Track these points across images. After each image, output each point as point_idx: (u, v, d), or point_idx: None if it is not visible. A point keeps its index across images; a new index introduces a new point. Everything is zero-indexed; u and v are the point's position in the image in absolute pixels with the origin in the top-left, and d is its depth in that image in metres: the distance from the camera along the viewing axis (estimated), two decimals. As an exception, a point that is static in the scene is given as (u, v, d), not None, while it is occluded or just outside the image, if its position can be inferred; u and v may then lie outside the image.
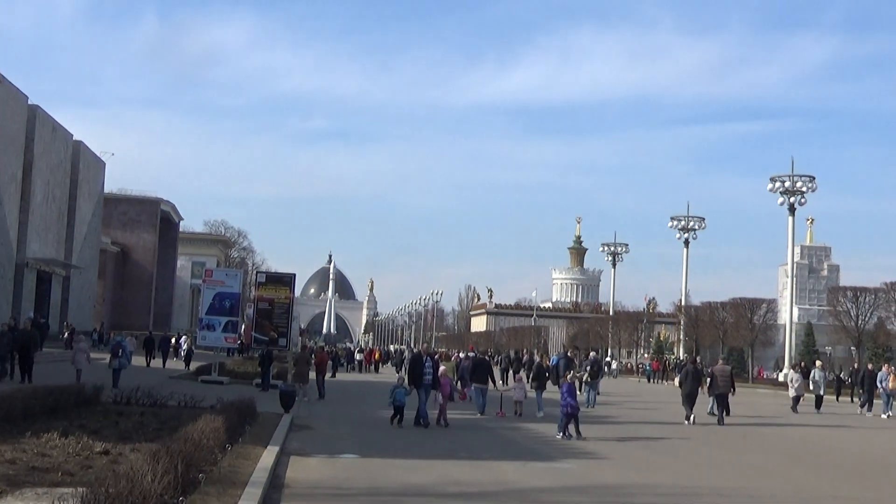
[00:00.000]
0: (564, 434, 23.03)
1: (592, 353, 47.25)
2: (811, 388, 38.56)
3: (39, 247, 66.59)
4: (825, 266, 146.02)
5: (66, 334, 61.30)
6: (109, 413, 20.86)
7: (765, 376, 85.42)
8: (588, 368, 39.21)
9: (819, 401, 38.75)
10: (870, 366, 55.93)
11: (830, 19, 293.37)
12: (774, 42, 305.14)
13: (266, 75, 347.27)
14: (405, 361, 70.60)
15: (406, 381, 24.93)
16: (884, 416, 36.91)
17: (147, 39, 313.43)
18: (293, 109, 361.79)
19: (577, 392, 24.38)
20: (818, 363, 40.67)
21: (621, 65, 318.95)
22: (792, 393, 38.44)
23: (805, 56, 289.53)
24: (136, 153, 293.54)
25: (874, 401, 38.97)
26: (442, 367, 25.67)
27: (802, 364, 41.75)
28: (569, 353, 32.93)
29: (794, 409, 37.53)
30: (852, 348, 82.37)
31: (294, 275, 44.26)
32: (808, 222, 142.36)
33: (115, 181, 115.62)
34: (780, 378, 76.71)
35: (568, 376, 24.10)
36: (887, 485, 17.70)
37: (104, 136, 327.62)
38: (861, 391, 39.66)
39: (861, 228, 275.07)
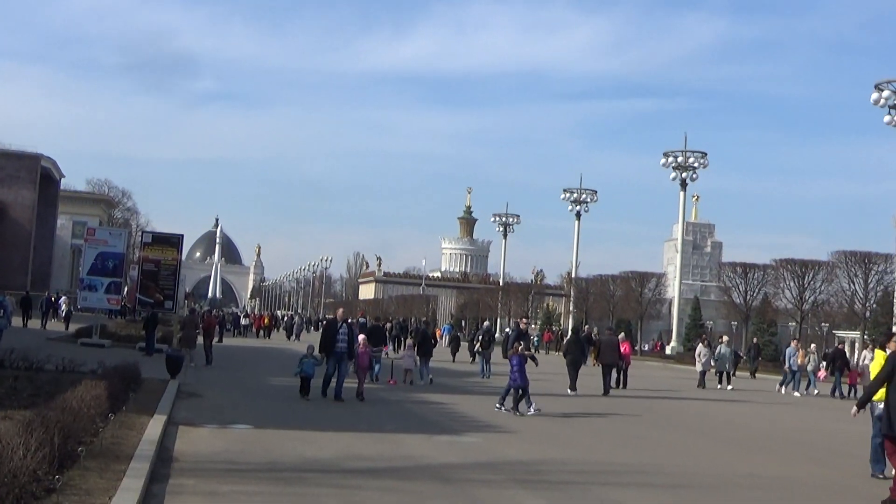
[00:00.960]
0: (503, 407, 22.49)
1: (486, 324, 47.13)
2: (713, 363, 38.02)
3: None
4: (709, 243, 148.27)
5: None
6: (-21, 377, 19.32)
7: (661, 349, 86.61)
8: (481, 338, 38.80)
9: (726, 377, 38.36)
10: (755, 339, 56.92)
11: (718, 1, 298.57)
12: (665, 22, 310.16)
13: (155, 34, 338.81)
14: (295, 328, 69.67)
15: (316, 349, 23.66)
16: (795, 394, 36.95)
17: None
18: (183, 70, 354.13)
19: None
20: (724, 338, 40.23)
21: (515, 38, 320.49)
22: (698, 367, 37.96)
23: (694, 37, 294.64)
24: (16, 108, 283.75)
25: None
26: (361, 337, 24.43)
27: (704, 338, 41.33)
28: (520, 324, 30.44)
29: (700, 384, 37.12)
30: (733, 323, 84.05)
31: (182, 236, 42.99)
32: (694, 199, 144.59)
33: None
34: (668, 351, 77.87)
35: (518, 348, 23.06)
36: (804, 462, 17.29)
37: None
38: (784, 369, 39.28)
39: (744, 207, 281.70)
